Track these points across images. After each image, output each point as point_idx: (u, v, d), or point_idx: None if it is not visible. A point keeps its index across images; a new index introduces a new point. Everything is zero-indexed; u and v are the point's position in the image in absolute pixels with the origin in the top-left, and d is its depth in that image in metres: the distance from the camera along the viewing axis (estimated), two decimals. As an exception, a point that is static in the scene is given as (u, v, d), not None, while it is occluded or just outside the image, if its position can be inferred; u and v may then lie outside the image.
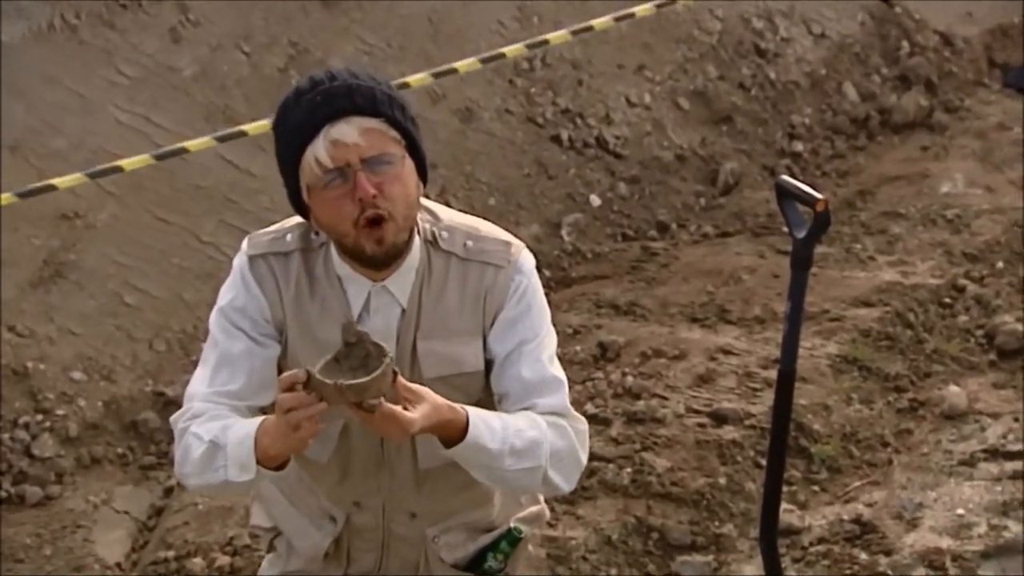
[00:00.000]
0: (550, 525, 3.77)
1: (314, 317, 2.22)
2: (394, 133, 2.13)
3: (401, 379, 2.04)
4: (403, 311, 2.23)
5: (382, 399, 1.99)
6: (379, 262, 2.17)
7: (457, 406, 2.12)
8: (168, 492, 4.32)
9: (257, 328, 2.23)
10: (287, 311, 2.24)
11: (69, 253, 5.00)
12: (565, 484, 2.25)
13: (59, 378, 4.66)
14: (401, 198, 2.13)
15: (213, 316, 2.27)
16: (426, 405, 2.05)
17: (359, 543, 2.40)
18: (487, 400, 2.28)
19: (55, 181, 4.46)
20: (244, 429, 2.10)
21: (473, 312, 2.25)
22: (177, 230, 5.22)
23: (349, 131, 2.09)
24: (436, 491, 2.33)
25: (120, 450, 4.56)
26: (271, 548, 2.52)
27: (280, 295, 2.24)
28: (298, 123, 2.12)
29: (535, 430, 2.18)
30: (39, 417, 4.54)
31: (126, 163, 4.62)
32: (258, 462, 2.09)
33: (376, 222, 2.12)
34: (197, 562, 3.88)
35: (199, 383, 2.24)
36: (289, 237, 2.25)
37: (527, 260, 2.29)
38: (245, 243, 2.29)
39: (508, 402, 2.24)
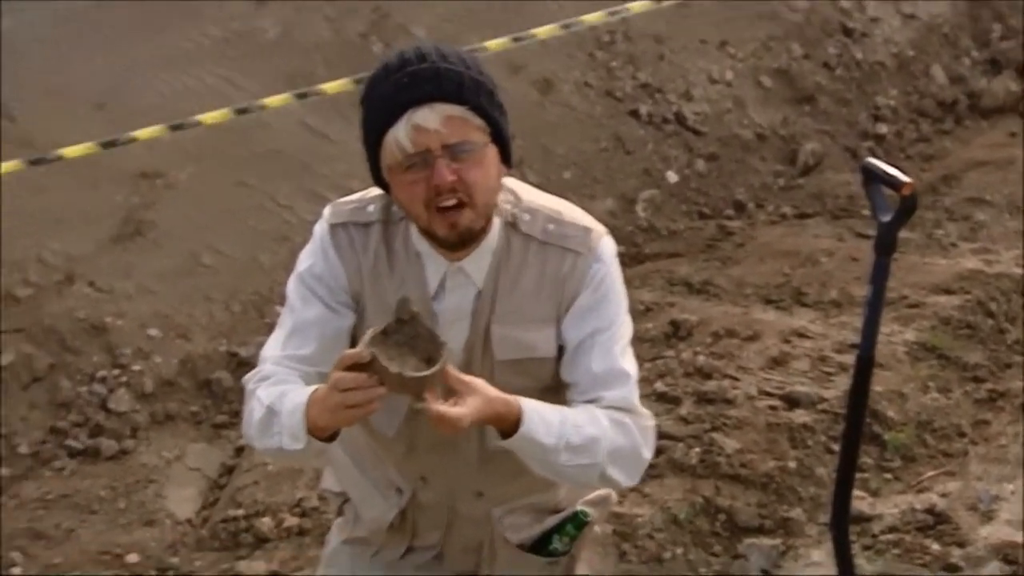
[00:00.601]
0: (617, 502, 3.76)
1: (390, 290, 2.21)
2: (478, 121, 2.11)
3: (452, 370, 2.02)
4: (478, 292, 2.21)
5: (428, 400, 1.97)
6: (452, 245, 2.16)
7: (511, 399, 2.09)
8: (239, 451, 4.38)
9: (333, 296, 2.23)
10: (364, 282, 2.23)
11: (149, 211, 5.06)
12: (626, 480, 2.23)
13: (136, 334, 4.73)
14: (480, 185, 2.11)
15: (291, 281, 2.27)
16: (477, 399, 2.03)
17: (424, 519, 2.40)
18: (558, 386, 2.25)
19: (137, 133, 4.51)
20: (298, 398, 2.10)
21: (550, 298, 2.22)
22: (254, 193, 5.26)
23: (432, 117, 2.07)
24: (501, 471, 2.30)
25: (193, 408, 4.62)
26: (340, 512, 2.54)
27: (359, 265, 2.23)
28: (383, 103, 2.10)
29: (594, 427, 2.15)
30: (116, 372, 4.62)
31: (206, 117, 4.66)
32: (309, 431, 2.08)
33: (453, 208, 2.10)
34: (266, 521, 3.93)
35: (273, 346, 2.25)
36: (371, 208, 2.24)
37: (607, 247, 2.25)
38: (327, 210, 2.28)
39: (575, 392, 2.22)
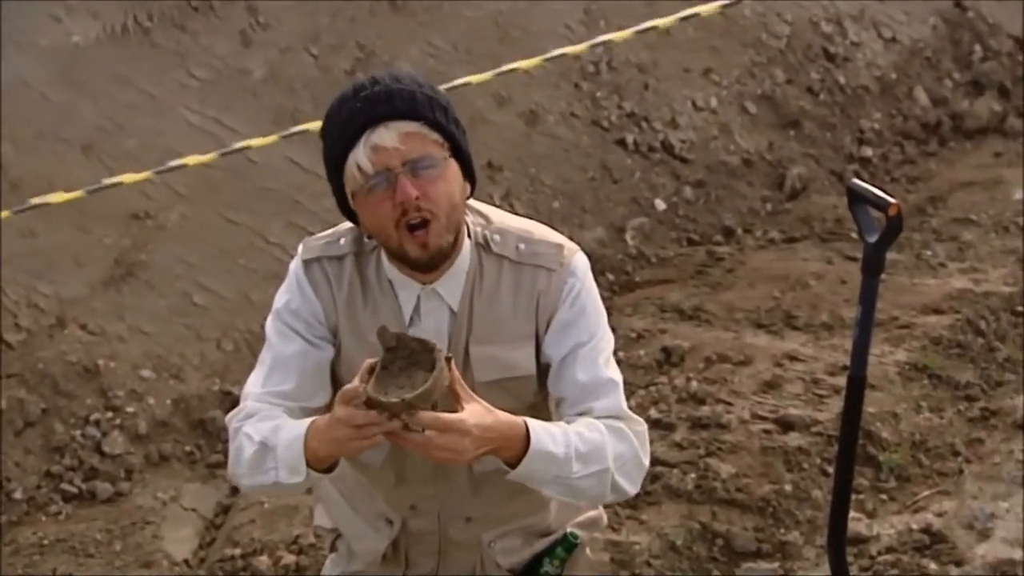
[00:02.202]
0: (613, 529, 3.76)
1: (366, 321, 2.22)
2: (435, 136, 2.13)
3: (455, 371, 2.03)
4: (453, 314, 2.22)
5: (418, 415, 1.96)
6: (425, 266, 2.17)
7: (512, 416, 2.09)
8: (235, 490, 4.36)
9: (311, 330, 2.25)
10: (340, 314, 2.24)
11: (140, 253, 5.07)
12: (631, 487, 2.23)
13: (129, 376, 4.72)
14: (445, 200, 2.12)
15: (269, 319, 2.29)
16: (478, 405, 2.03)
17: (416, 547, 2.40)
18: (541, 404, 2.27)
19: (122, 178, 4.54)
20: (294, 431, 2.11)
21: (526, 316, 2.24)
22: (245, 231, 5.27)
23: (389, 136, 2.10)
24: (491, 496, 2.32)
25: (188, 448, 4.61)
26: (333, 548, 2.53)
27: (333, 298, 2.25)
28: (340, 130, 2.13)
29: (595, 432, 2.16)
30: (109, 415, 4.61)
31: (193, 160, 4.68)
32: (308, 464, 2.09)
33: (420, 226, 2.12)
34: (263, 560, 3.91)
35: (254, 383, 2.25)
36: (343, 241, 2.27)
37: (580, 262, 2.27)
38: (301, 247, 2.31)
39: (565, 406, 2.23)
